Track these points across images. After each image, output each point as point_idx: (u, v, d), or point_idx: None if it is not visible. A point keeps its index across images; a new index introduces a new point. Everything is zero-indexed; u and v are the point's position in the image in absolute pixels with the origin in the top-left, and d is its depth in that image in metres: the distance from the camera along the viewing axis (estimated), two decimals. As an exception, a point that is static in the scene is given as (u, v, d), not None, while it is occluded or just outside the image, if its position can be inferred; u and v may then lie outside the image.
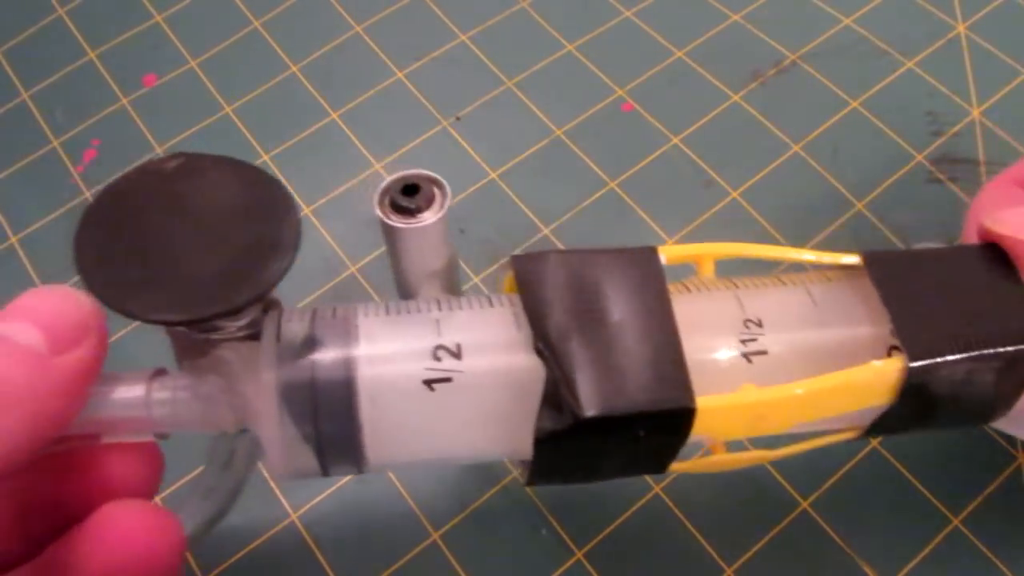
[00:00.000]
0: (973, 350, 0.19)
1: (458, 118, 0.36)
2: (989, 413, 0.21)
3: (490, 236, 0.32)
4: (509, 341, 0.19)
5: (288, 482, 0.28)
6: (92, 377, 0.17)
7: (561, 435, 0.18)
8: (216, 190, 0.18)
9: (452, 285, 0.25)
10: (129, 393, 0.18)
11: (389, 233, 0.23)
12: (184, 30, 0.39)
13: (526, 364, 0.18)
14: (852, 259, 0.21)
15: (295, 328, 0.19)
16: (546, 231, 0.33)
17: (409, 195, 0.22)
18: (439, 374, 0.18)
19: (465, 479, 0.28)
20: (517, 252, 0.32)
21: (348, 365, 0.18)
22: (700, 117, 0.35)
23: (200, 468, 0.20)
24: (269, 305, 0.19)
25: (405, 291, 0.24)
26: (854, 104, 0.35)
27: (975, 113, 0.34)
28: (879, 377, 0.19)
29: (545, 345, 0.18)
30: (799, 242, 0.32)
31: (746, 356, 0.19)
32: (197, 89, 0.37)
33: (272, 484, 0.28)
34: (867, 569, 0.26)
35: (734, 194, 0.33)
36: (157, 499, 0.27)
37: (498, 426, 0.19)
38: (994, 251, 0.21)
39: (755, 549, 0.27)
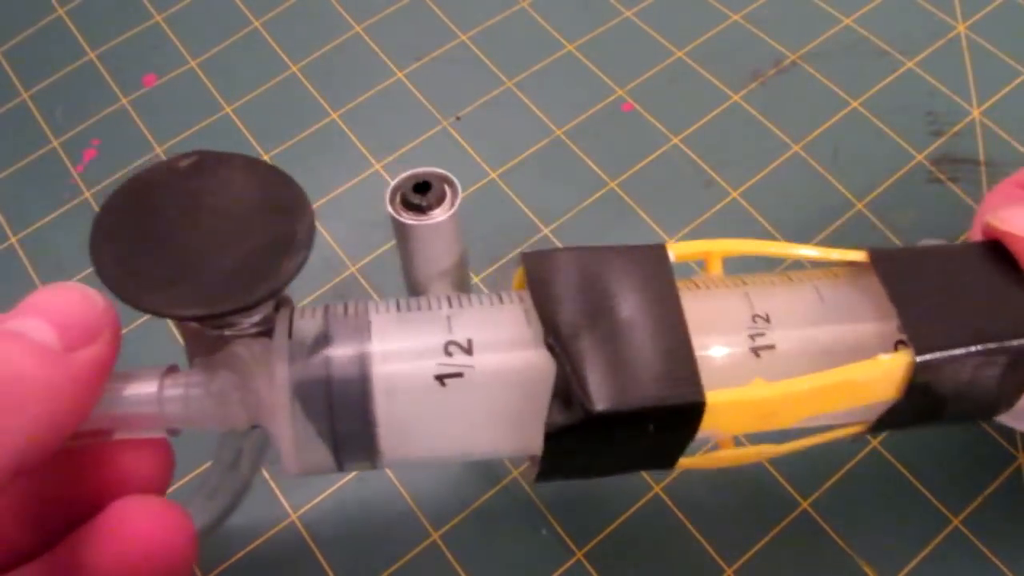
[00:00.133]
0: (978, 344, 0.19)
1: (458, 118, 0.36)
2: (994, 407, 0.21)
3: (490, 236, 0.32)
4: (520, 337, 0.19)
5: (299, 478, 0.28)
6: (106, 374, 0.17)
7: (571, 430, 0.18)
8: (230, 187, 0.18)
9: (462, 282, 0.25)
10: (142, 390, 0.18)
11: (400, 230, 0.23)
12: (184, 30, 0.39)
13: (537, 360, 0.18)
14: (858, 255, 0.21)
15: (308, 324, 0.19)
16: (546, 231, 0.33)
17: (421, 192, 0.22)
18: (450, 369, 0.18)
19: (465, 479, 0.28)
20: (518, 252, 0.32)
21: (363, 361, 0.18)
22: (700, 117, 0.35)
23: (205, 466, 0.20)
24: (281, 302, 0.19)
25: (415, 288, 0.25)
26: (854, 104, 0.35)
27: (975, 113, 0.34)
28: (886, 371, 0.19)
29: (555, 340, 0.18)
30: (799, 242, 0.32)
31: (755, 351, 0.20)
32: (197, 89, 0.37)
33: (272, 484, 0.28)
34: (867, 569, 0.26)
35: (734, 194, 0.33)
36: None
37: (509, 421, 0.19)
38: (998, 249, 0.21)
39: (755, 549, 0.27)
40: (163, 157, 0.35)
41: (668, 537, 0.27)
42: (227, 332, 0.18)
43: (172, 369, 0.18)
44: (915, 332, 0.19)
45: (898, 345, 0.20)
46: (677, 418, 0.18)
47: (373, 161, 0.35)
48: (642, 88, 0.36)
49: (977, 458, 0.28)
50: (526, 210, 0.33)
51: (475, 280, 0.32)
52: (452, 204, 0.22)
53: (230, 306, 0.16)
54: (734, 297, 0.20)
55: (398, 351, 0.18)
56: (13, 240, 0.34)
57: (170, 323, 0.31)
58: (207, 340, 0.18)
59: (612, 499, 0.28)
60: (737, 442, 0.21)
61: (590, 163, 0.34)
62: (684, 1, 0.38)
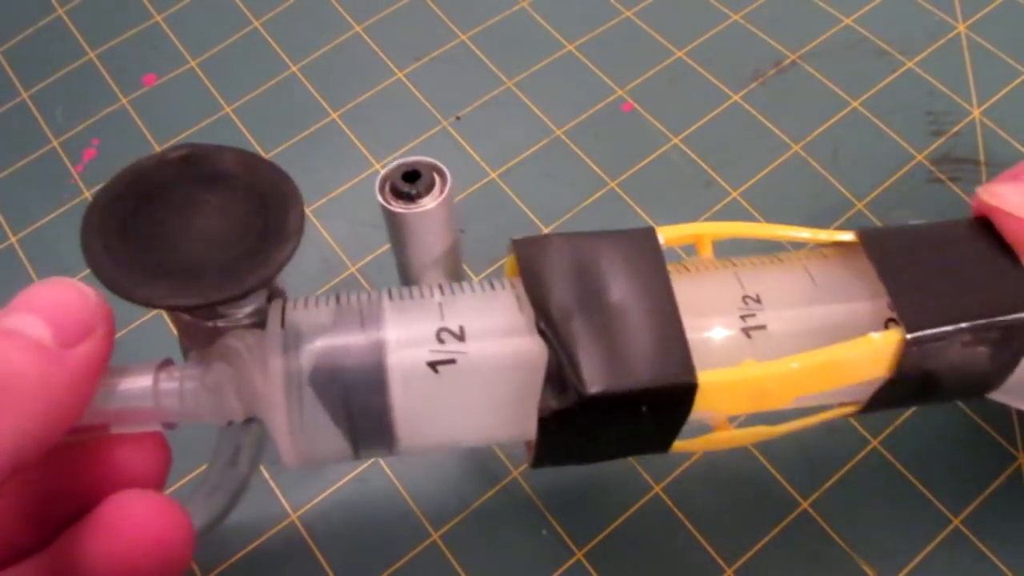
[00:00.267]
0: (968, 320, 0.19)
1: (458, 118, 0.36)
2: (986, 384, 0.21)
3: (490, 236, 0.32)
4: (512, 323, 0.19)
5: (299, 478, 0.28)
6: (101, 369, 0.17)
7: (565, 413, 0.18)
8: (221, 179, 0.18)
9: (455, 271, 0.25)
10: (136, 384, 0.18)
11: (390, 219, 0.23)
12: (184, 30, 0.39)
13: (529, 345, 0.18)
14: (847, 236, 0.21)
15: (315, 313, 0.19)
16: (546, 231, 0.33)
17: (410, 181, 0.22)
18: (443, 356, 0.18)
19: (465, 479, 0.28)
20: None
21: (378, 348, 0.18)
22: (700, 117, 0.35)
23: (205, 466, 0.20)
24: (274, 294, 0.19)
25: (407, 278, 0.25)
26: (854, 104, 0.35)
27: (975, 113, 0.34)
28: (877, 349, 0.19)
29: (548, 325, 0.18)
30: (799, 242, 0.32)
31: (746, 332, 0.20)
32: (197, 89, 0.37)
33: (272, 484, 0.28)
34: (867, 569, 0.26)
35: (734, 194, 0.33)
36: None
37: (503, 407, 0.19)
38: (986, 224, 0.21)
39: (755, 549, 0.27)
40: (163, 157, 0.35)
41: (668, 537, 0.27)
42: (220, 324, 0.18)
43: (167, 363, 0.18)
44: (905, 310, 0.19)
45: (888, 323, 0.20)
46: (670, 400, 0.18)
47: (373, 161, 0.35)
48: (642, 88, 0.36)
49: (977, 458, 0.28)
50: (526, 210, 0.33)
51: (475, 280, 0.32)
52: (441, 192, 0.22)
53: (221, 295, 0.16)
54: (724, 278, 0.21)
55: (388, 339, 0.19)
56: (13, 240, 0.34)
57: (168, 323, 0.31)
58: (201, 333, 0.18)
59: (612, 499, 0.28)
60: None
61: (590, 163, 0.34)
62: (684, 1, 0.38)
